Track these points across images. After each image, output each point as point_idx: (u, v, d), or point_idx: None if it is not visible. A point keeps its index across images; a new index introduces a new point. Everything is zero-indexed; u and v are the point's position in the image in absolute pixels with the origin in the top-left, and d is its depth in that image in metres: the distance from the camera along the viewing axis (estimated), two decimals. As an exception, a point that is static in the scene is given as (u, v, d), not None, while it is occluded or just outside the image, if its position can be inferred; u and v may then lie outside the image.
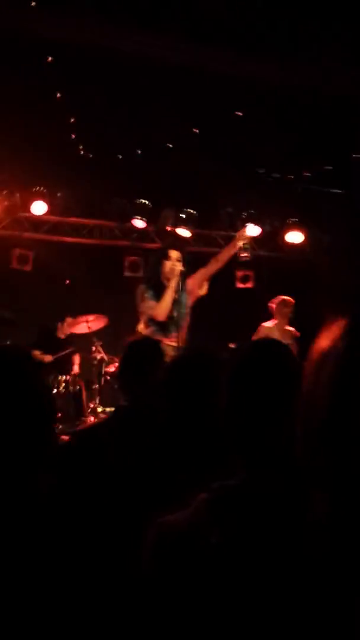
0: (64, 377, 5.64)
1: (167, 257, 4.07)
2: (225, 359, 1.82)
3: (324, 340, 0.73)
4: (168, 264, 4.04)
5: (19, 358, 1.18)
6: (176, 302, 4.00)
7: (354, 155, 6.23)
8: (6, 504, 1.05)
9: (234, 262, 7.23)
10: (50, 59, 5.08)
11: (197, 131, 6.00)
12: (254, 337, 5.24)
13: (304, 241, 7.16)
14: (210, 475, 0.94)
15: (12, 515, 1.04)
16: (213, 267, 4.26)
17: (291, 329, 5.54)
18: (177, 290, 3.98)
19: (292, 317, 5.61)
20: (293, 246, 7.24)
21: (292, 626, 0.75)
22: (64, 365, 6.00)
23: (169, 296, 3.95)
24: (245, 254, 4.18)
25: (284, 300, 5.61)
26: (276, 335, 5.10)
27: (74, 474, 1.78)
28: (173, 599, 0.84)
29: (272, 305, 5.68)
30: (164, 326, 4.01)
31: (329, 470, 0.69)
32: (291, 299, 5.63)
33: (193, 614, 0.82)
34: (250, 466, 0.92)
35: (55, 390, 5.52)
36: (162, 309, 3.95)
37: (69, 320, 6.09)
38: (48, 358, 5.88)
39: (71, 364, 6.06)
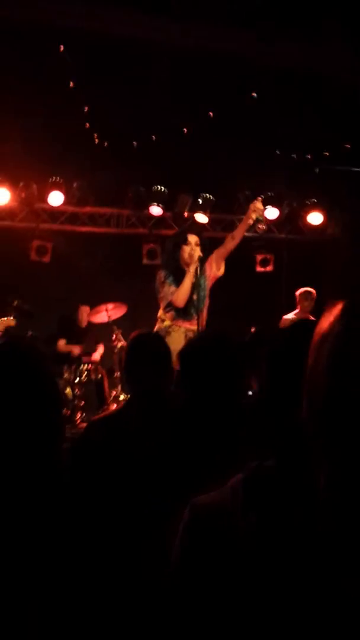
0: (85, 366, 5.67)
1: (185, 242, 4.05)
2: (242, 342, 1.80)
3: (324, 322, 0.72)
4: (187, 249, 4.02)
5: (23, 350, 1.17)
6: (195, 287, 3.98)
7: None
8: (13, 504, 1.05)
9: (253, 245, 7.25)
10: (62, 48, 5.05)
11: (212, 115, 5.93)
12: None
13: (323, 222, 7.05)
14: (234, 458, 0.93)
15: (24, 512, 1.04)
16: (229, 245, 4.21)
17: (312, 319, 5.48)
18: (196, 275, 3.97)
19: (313, 308, 5.58)
20: (313, 227, 7.14)
21: (321, 614, 0.73)
22: (86, 355, 6.04)
23: (188, 282, 3.94)
24: (261, 226, 4.12)
25: (306, 292, 5.57)
26: None
27: (87, 463, 1.77)
28: (207, 577, 0.84)
29: (297, 294, 5.66)
30: (184, 311, 4.00)
31: (329, 451, 0.68)
32: (313, 291, 5.57)
33: (225, 594, 0.81)
34: (291, 447, 0.90)
35: (77, 379, 5.55)
36: (181, 294, 3.95)
37: (84, 308, 6.12)
38: (77, 350, 5.93)
39: (92, 352, 6.10)
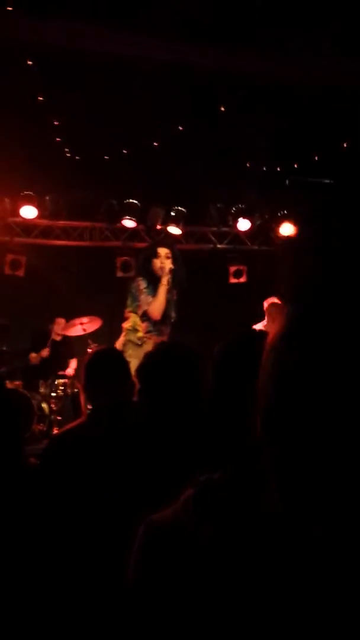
0: (61, 380, 5.65)
1: (155, 255, 4.07)
2: (202, 353, 1.82)
3: (271, 331, 0.75)
4: (157, 262, 4.05)
5: None
6: (169, 300, 4.01)
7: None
8: None
9: (227, 257, 7.32)
10: (30, 62, 5.07)
11: (182, 128, 6.00)
12: None
13: (294, 233, 7.16)
14: (194, 469, 0.94)
15: None
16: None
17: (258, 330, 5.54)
18: (168, 287, 3.99)
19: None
20: (284, 239, 7.24)
21: (287, 621, 0.75)
22: (61, 369, 6.02)
23: (162, 294, 3.96)
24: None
25: (272, 302, 5.62)
26: None
27: (49, 479, 1.78)
28: (163, 596, 0.84)
29: (265, 305, 5.70)
30: (160, 322, 4.02)
31: (278, 460, 0.70)
32: (278, 301, 5.63)
33: (184, 612, 0.82)
34: (238, 457, 0.91)
35: (53, 394, 5.52)
36: (157, 306, 3.96)
37: (59, 321, 6.11)
38: (45, 352, 5.91)
39: (66, 366, 6.09)
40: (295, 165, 6.86)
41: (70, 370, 6.07)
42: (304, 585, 0.71)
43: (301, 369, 0.67)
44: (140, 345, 4.00)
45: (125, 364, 2.14)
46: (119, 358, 2.19)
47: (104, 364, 2.09)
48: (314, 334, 0.69)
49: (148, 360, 1.77)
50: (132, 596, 0.88)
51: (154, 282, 4.00)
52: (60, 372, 5.79)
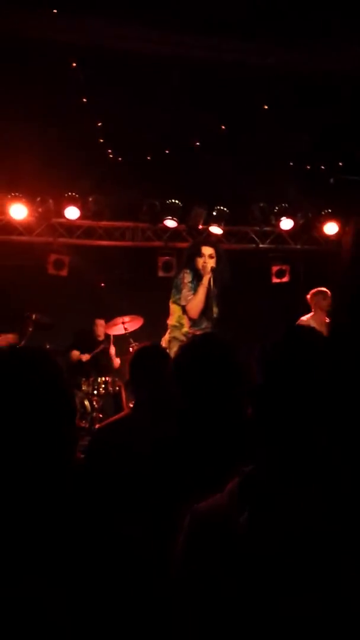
0: (103, 378, 5.70)
1: (199, 254, 4.07)
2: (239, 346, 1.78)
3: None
4: (200, 261, 4.04)
5: (36, 358, 1.19)
6: (208, 298, 4.00)
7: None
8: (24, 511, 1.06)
9: (269, 256, 7.24)
10: (73, 64, 5.14)
11: (224, 127, 5.97)
12: None
13: (339, 232, 7.02)
14: (236, 461, 0.94)
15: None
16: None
17: (329, 320, 5.43)
18: (209, 287, 3.98)
19: (330, 308, 5.49)
20: (328, 238, 7.11)
21: (318, 602, 0.74)
22: (104, 367, 6.08)
23: (201, 294, 3.96)
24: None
25: (320, 291, 5.50)
26: (314, 327, 5.01)
27: (94, 470, 1.79)
28: (209, 579, 0.85)
29: (309, 297, 5.58)
30: (198, 321, 4.02)
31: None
32: (328, 291, 5.52)
33: (226, 597, 0.82)
34: (283, 450, 0.91)
35: (95, 392, 5.58)
36: (195, 305, 3.96)
37: (99, 322, 6.17)
38: (85, 357, 5.98)
39: (110, 362, 6.13)
40: (340, 164, 6.73)
41: (117, 361, 6.12)
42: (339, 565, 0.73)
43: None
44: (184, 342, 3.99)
45: (168, 359, 2.15)
46: (162, 353, 2.20)
47: (147, 359, 2.11)
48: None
49: (183, 351, 1.76)
50: (179, 581, 0.88)
51: (198, 278, 4.01)
52: (105, 375, 5.84)
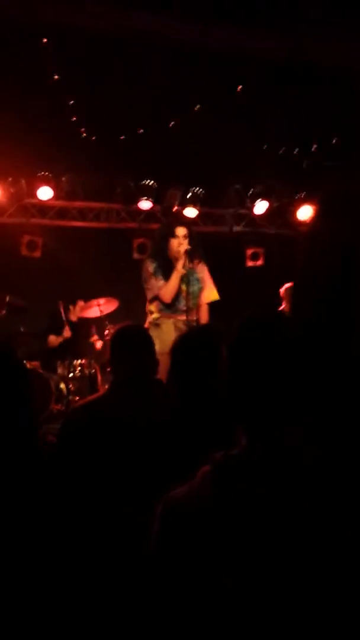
0: (79, 361, 5.68)
1: (173, 235, 4.05)
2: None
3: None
4: (175, 242, 4.02)
5: None
6: (183, 280, 3.99)
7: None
8: None
9: (243, 239, 7.26)
10: (45, 40, 5.01)
11: (199, 107, 5.92)
12: None
13: (313, 216, 7.05)
14: (215, 447, 0.95)
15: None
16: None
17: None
18: (184, 269, 3.97)
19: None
20: (302, 222, 7.15)
21: (294, 588, 0.76)
22: (79, 349, 6.05)
23: (175, 278, 3.95)
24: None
25: (291, 287, 5.56)
26: None
27: (69, 450, 1.80)
28: (182, 567, 0.86)
29: (282, 291, 5.65)
30: (171, 304, 4.01)
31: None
32: None
33: (200, 585, 0.83)
34: (251, 434, 0.93)
35: (71, 375, 5.56)
36: (169, 290, 3.95)
37: (81, 303, 6.12)
38: (67, 333, 5.93)
39: (92, 344, 6.08)
40: (314, 148, 6.74)
41: (98, 345, 6.06)
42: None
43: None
44: (158, 326, 4.00)
45: (150, 340, 2.15)
46: (144, 334, 2.20)
47: (129, 339, 2.11)
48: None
49: (181, 341, 1.79)
50: (151, 569, 0.89)
51: (165, 264, 3.98)
52: (80, 357, 5.79)
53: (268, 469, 0.83)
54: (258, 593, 0.78)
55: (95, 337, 6.13)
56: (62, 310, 6.14)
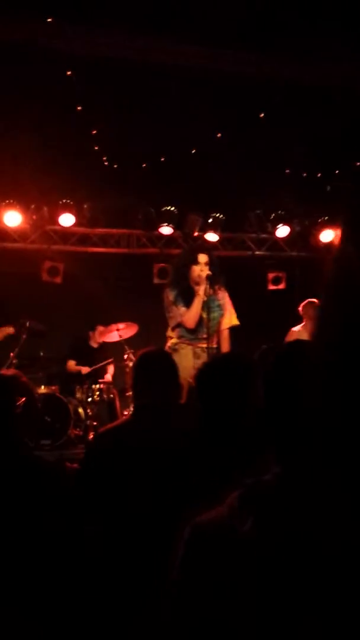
0: (97, 385, 5.65)
1: (195, 262, 4.03)
2: (256, 361, 1.81)
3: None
4: (196, 269, 4.01)
5: None
6: (204, 306, 3.96)
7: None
8: None
9: (265, 263, 7.23)
10: (69, 72, 5.12)
11: (220, 135, 5.96)
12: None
13: (335, 239, 7.00)
14: (243, 474, 0.92)
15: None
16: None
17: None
18: (205, 295, 3.95)
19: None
20: (325, 245, 7.09)
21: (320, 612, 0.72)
22: (98, 375, 6.02)
23: (197, 304, 3.93)
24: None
25: (310, 302, 5.51)
26: (305, 337, 4.99)
27: (94, 473, 1.76)
28: (208, 594, 0.82)
29: (301, 308, 5.60)
30: (193, 330, 3.99)
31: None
32: (315, 300, 5.51)
33: (227, 610, 0.80)
34: (285, 461, 0.90)
35: (89, 399, 5.53)
36: (191, 316, 3.94)
37: (100, 328, 6.12)
38: (85, 370, 5.92)
39: (104, 373, 6.08)
40: (337, 172, 6.72)
41: (108, 376, 6.07)
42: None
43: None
44: (176, 351, 3.96)
45: (173, 365, 2.10)
46: (167, 359, 2.16)
47: (152, 363, 2.08)
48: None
49: (208, 367, 1.77)
50: (177, 596, 0.87)
51: (186, 291, 3.97)
52: (100, 380, 5.78)
53: (305, 498, 0.79)
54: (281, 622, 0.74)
55: (111, 367, 6.13)
56: (89, 338, 6.16)
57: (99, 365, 5.94)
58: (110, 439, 1.95)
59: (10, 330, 5.09)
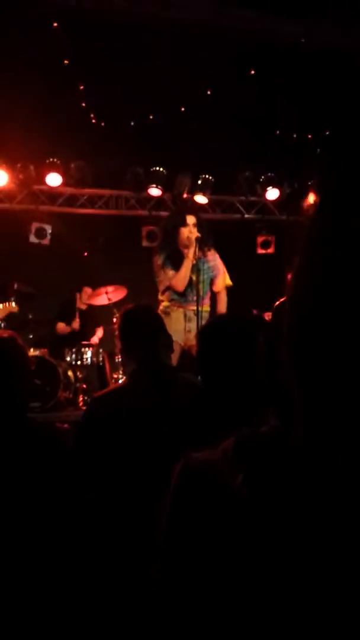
0: (87, 348, 5.66)
1: (184, 224, 4.01)
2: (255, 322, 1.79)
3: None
4: (185, 231, 3.99)
5: None
6: (194, 268, 3.96)
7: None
8: None
9: (254, 227, 7.18)
10: (55, 24, 4.94)
11: (210, 92, 5.83)
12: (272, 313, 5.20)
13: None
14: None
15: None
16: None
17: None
18: (194, 257, 3.94)
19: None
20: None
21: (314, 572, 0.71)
22: (88, 337, 6.03)
23: (186, 267, 3.93)
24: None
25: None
26: None
27: (91, 440, 1.77)
28: (197, 542, 0.80)
29: (289, 277, 5.59)
30: (183, 293, 3.99)
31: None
32: None
33: (213, 556, 0.79)
34: (284, 416, 0.89)
35: (79, 362, 5.55)
36: (180, 279, 3.93)
37: (87, 290, 6.09)
38: (76, 324, 5.90)
39: (91, 335, 6.09)
40: (327, 133, 6.63)
41: (95, 339, 6.08)
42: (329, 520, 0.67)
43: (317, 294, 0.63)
44: (168, 314, 3.97)
45: (160, 320, 2.05)
46: (152, 314, 2.10)
47: (138, 322, 2.00)
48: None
49: (208, 327, 1.74)
50: (166, 541, 0.87)
51: (174, 254, 3.96)
52: (86, 342, 5.80)
53: (295, 449, 0.78)
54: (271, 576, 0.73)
55: (100, 329, 6.13)
56: (77, 300, 6.13)
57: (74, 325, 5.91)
58: (108, 402, 1.94)
59: (14, 308, 5.01)
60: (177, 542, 0.81)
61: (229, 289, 4.25)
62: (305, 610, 0.71)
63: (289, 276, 0.74)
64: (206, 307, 4.03)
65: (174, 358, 2.01)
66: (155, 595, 0.88)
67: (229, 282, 4.20)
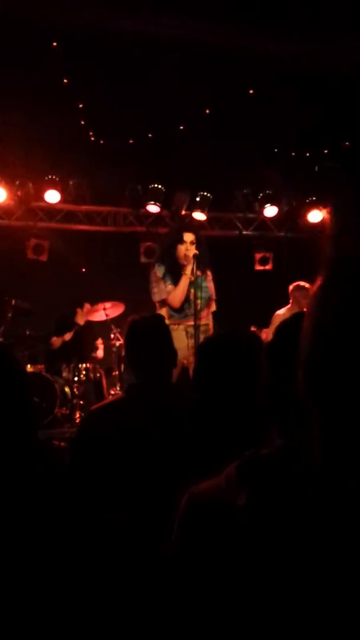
0: (84, 364, 5.64)
1: (181, 241, 4.02)
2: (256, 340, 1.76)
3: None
4: (182, 248, 3.99)
5: None
6: (192, 285, 3.96)
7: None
8: None
9: (253, 243, 7.21)
10: (55, 44, 5.00)
11: (208, 112, 5.88)
12: (270, 327, 5.19)
13: (323, 220, 7.00)
14: (243, 450, 0.92)
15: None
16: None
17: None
18: (192, 274, 3.94)
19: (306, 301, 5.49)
20: (312, 225, 7.09)
21: (318, 587, 0.71)
22: (85, 353, 6.01)
23: (183, 283, 3.93)
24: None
25: (297, 285, 5.50)
26: None
27: (86, 454, 1.75)
28: (203, 566, 0.82)
29: (290, 289, 5.59)
30: (180, 309, 3.99)
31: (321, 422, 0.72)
32: (304, 284, 5.50)
33: (221, 580, 0.79)
34: (287, 435, 0.88)
35: (76, 378, 5.52)
36: (177, 296, 3.93)
37: (87, 306, 6.09)
38: (68, 336, 5.88)
39: (94, 350, 6.05)
40: (325, 152, 6.69)
41: (100, 353, 6.05)
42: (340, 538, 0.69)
43: (341, 318, 0.64)
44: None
45: (167, 333, 1.99)
46: (161, 327, 2.02)
47: (145, 335, 1.94)
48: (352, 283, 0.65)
49: (207, 344, 1.72)
50: (172, 567, 0.86)
51: (173, 269, 3.96)
52: (92, 354, 5.77)
53: (299, 469, 0.78)
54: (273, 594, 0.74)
55: (100, 341, 6.11)
56: (77, 315, 6.12)
57: (68, 333, 5.89)
58: (104, 416, 1.91)
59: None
60: (185, 571, 0.83)
61: (223, 308, 4.27)
62: (311, 628, 0.71)
63: (310, 301, 0.74)
64: (205, 321, 4.02)
65: (174, 374, 1.98)
66: (164, 619, 0.87)
67: (214, 308, 4.25)
